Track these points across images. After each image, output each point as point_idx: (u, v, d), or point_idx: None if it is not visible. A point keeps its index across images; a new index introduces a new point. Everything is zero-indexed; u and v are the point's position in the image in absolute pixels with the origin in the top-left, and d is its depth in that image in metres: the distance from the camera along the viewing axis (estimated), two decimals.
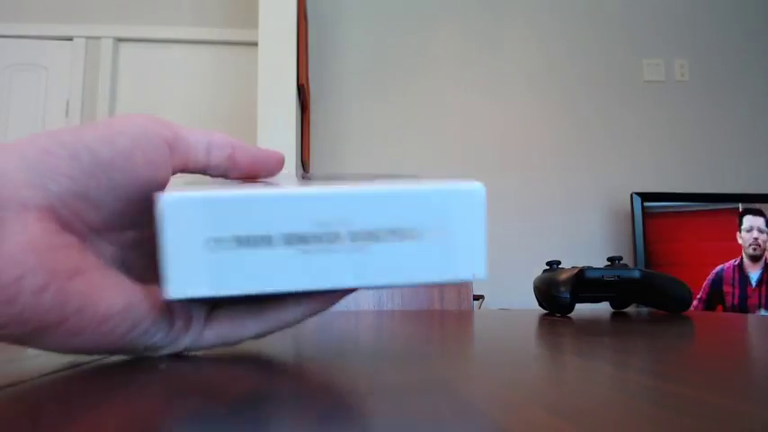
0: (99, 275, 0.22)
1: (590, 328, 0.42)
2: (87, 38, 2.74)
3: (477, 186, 0.22)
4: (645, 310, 0.71)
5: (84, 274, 0.21)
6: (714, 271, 2.17)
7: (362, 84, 2.68)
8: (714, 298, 2.13)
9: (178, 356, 0.26)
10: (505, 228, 2.35)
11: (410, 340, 0.34)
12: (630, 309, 0.70)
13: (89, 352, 0.23)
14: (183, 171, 0.25)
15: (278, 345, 0.30)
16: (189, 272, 0.20)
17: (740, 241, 2.16)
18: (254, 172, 0.26)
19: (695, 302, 2.14)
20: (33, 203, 0.21)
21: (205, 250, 0.20)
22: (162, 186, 0.24)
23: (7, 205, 0.20)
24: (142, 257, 0.26)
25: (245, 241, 0.20)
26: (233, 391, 0.17)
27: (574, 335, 0.36)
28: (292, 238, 0.20)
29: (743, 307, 2.14)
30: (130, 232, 0.25)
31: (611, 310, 0.69)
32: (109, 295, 0.22)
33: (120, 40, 2.78)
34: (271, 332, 0.27)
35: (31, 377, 0.20)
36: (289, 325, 0.27)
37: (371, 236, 0.21)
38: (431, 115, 2.67)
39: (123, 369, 0.22)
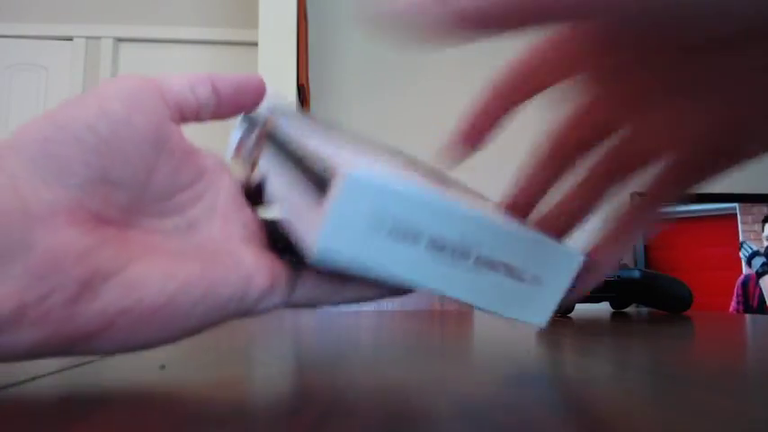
0: (144, 265, 0.20)
1: (590, 328, 0.42)
2: (87, 38, 2.74)
3: (581, 256, 0.25)
4: (645, 310, 0.71)
5: (123, 272, 0.19)
6: (744, 274, 2.17)
7: (362, 84, 2.68)
8: (748, 299, 2.12)
9: (178, 356, 0.26)
10: None
11: (410, 340, 0.34)
12: (630, 309, 0.70)
13: (159, 344, 0.21)
14: (180, 121, 0.24)
15: (278, 344, 0.30)
16: (339, 241, 0.20)
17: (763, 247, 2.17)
18: (239, 102, 0.25)
19: (734, 305, 2.13)
20: (61, 206, 0.19)
21: (361, 227, 0.20)
22: (171, 142, 0.23)
23: (33, 216, 0.18)
24: (203, 217, 0.24)
25: (397, 232, 0.21)
26: (233, 392, 0.17)
27: (574, 335, 0.36)
28: (435, 243, 0.21)
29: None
30: (172, 199, 0.23)
31: (611, 310, 0.69)
32: (155, 285, 0.20)
33: (120, 40, 2.79)
34: (349, 303, 0.26)
35: (31, 377, 0.20)
36: (364, 302, 0.26)
37: (491, 264, 0.23)
38: (431, 115, 2.67)
39: (123, 369, 0.22)
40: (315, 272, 0.25)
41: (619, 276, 0.63)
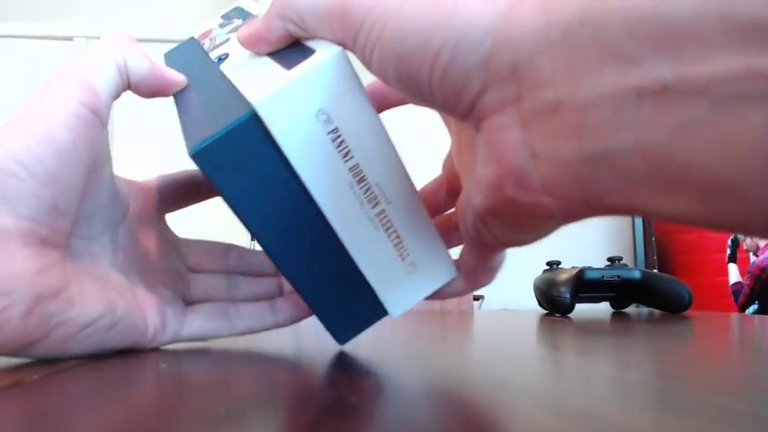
0: (78, 287, 0.23)
1: (590, 328, 0.42)
2: (87, 38, 2.74)
3: (454, 272, 0.26)
4: (645, 310, 0.71)
5: (65, 290, 0.22)
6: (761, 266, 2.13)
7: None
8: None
9: (178, 355, 0.26)
10: None
11: (410, 340, 0.34)
12: (630, 309, 0.70)
13: (78, 355, 0.24)
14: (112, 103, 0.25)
15: (278, 344, 0.30)
16: (284, 106, 0.20)
17: None
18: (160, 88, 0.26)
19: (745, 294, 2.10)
20: (15, 231, 0.21)
21: (308, 111, 0.20)
22: (102, 159, 0.24)
23: None
24: (132, 236, 0.27)
25: (333, 140, 0.21)
26: (233, 391, 0.17)
27: (574, 335, 0.36)
28: (359, 172, 0.22)
29: None
30: (95, 219, 0.25)
31: (611, 310, 0.69)
32: (88, 303, 0.23)
33: None
34: (238, 335, 0.29)
35: (31, 377, 0.20)
36: (253, 332, 0.29)
37: (389, 226, 0.24)
38: (430, 115, 2.67)
39: (123, 369, 0.22)
40: (204, 308, 0.28)
41: (619, 276, 0.63)
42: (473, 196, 0.19)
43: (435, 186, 0.29)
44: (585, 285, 0.62)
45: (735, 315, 0.63)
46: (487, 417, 0.14)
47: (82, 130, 0.22)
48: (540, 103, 0.15)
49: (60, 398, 0.17)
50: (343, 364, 0.24)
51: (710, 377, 0.20)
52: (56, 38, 2.76)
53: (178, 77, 0.26)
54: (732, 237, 2.11)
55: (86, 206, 0.24)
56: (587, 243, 2.40)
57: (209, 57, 0.28)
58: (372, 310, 0.26)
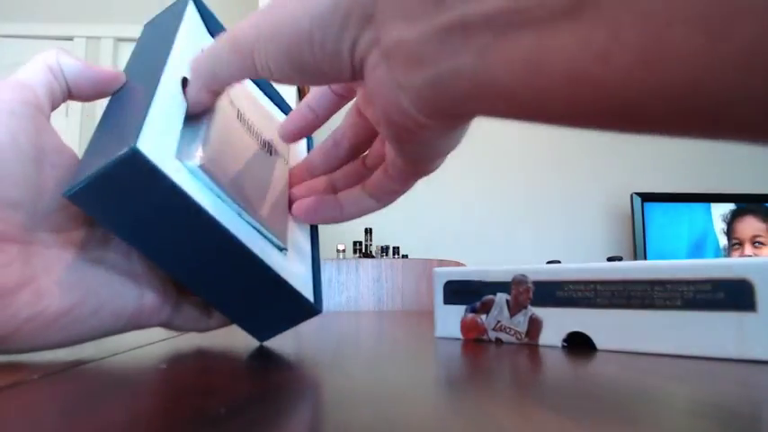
0: (47, 279, 0.23)
1: None
2: (87, 38, 2.74)
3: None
4: None
5: (30, 285, 0.22)
6: None
7: None
8: None
9: (178, 355, 0.26)
10: (505, 227, 2.35)
11: (410, 340, 0.34)
12: None
13: (57, 347, 0.24)
14: (51, 111, 0.25)
15: (278, 343, 0.30)
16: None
17: None
18: (99, 90, 0.26)
19: None
20: None
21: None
22: (49, 149, 0.24)
23: None
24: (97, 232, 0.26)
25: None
26: (233, 392, 0.17)
27: None
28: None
29: None
30: (63, 212, 0.25)
31: None
32: (57, 296, 0.23)
33: (120, 40, 2.79)
34: (212, 329, 0.30)
35: (32, 377, 0.20)
36: (224, 326, 0.30)
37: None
38: None
39: (123, 369, 0.22)
40: (192, 300, 0.29)
41: None
42: (383, 134, 0.23)
43: (334, 142, 0.32)
44: None
45: None
46: (487, 416, 0.14)
47: (20, 124, 0.23)
48: (391, 41, 0.18)
49: (60, 398, 0.17)
50: (344, 363, 0.24)
51: (710, 376, 0.20)
52: (56, 38, 2.76)
53: (116, 74, 0.26)
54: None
55: (52, 198, 0.24)
56: (587, 243, 2.40)
57: (171, 46, 0.28)
58: (291, 314, 0.29)
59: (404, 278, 1.04)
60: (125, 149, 0.21)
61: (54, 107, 0.25)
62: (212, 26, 0.32)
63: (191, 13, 0.31)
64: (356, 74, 0.21)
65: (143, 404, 0.16)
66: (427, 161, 0.25)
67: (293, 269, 0.29)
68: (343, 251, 1.90)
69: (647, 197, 2.21)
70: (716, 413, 0.14)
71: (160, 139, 0.23)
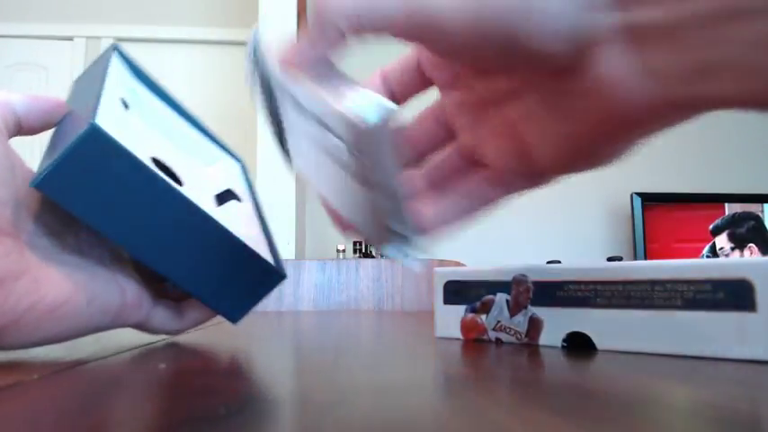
0: (42, 270, 0.24)
1: None
2: (87, 38, 2.74)
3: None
4: None
5: (27, 274, 0.23)
6: None
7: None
8: None
9: (178, 355, 0.26)
10: (505, 227, 2.35)
11: (410, 340, 0.34)
12: None
13: (55, 340, 0.25)
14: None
15: (278, 343, 0.30)
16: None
17: None
18: (48, 121, 0.28)
19: None
20: None
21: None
22: (19, 160, 0.26)
23: None
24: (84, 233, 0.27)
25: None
26: (233, 391, 0.17)
27: None
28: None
29: None
30: (41, 213, 0.26)
31: None
32: (54, 286, 0.24)
33: (120, 40, 2.79)
34: (187, 329, 0.31)
35: (32, 377, 0.20)
36: (197, 326, 0.31)
37: None
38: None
39: (123, 369, 0.22)
40: (165, 302, 0.30)
41: None
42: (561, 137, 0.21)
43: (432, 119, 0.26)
44: None
45: None
46: (487, 416, 0.14)
47: None
48: (651, 24, 0.17)
49: (60, 398, 0.17)
50: (344, 363, 0.24)
51: (710, 376, 0.20)
52: (56, 38, 2.76)
53: (60, 101, 0.28)
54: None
55: (28, 202, 0.25)
56: (587, 243, 2.40)
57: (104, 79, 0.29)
58: (257, 284, 0.29)
59: (404, 278, 1.04)
60: (85, 127, 0.22)
61: (9, 137, 0.26)
62: (137, 72, 0.35)
63: (115, 61, 0.33)
64: (570, 59, 0.18)
65: (143, 404, 0.16)
66: (612, 157, 0.21)
67: (251, 243, 0.30)
68: (343, 251, 1.90)
69: (647, 197, 2.21)
70: (716, 413, 0.14)
71: (113, 124, 0.25)
